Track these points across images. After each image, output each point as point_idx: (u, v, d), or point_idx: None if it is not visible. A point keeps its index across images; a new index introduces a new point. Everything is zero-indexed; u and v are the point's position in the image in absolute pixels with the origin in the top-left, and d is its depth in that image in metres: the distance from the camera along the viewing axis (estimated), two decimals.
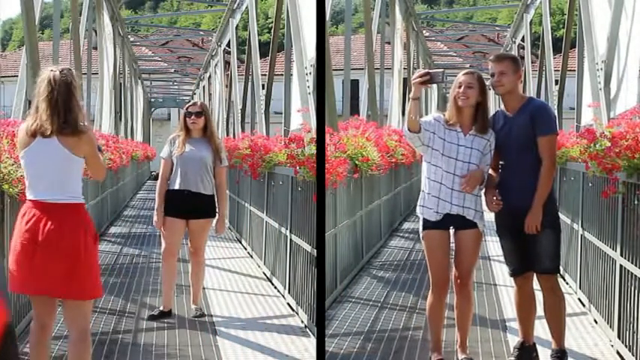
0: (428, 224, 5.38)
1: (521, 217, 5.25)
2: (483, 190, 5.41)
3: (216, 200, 7.07)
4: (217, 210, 7.15)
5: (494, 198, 5.35)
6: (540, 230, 5.23)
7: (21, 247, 4.32)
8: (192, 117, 6.89)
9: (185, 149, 6.86)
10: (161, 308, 7.05)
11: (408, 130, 5.25)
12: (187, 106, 7.03)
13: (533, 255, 5.30)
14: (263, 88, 14.41)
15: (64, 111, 4.30)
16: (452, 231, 5.42)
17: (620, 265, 5.83)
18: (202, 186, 6.88)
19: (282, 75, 13.86)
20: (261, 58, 15.35)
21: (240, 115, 18.24)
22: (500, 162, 5.42)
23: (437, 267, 5.38)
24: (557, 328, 5.39)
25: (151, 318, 6.92)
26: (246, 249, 11.26)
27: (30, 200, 4.39)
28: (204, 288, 8.43)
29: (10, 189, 5.62)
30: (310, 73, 10.23)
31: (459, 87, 5.26)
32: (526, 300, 5.44)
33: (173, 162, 6.89)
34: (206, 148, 6.89)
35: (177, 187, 6.87)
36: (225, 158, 7.05)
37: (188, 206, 6.89)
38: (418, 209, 5.43)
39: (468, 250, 5.39)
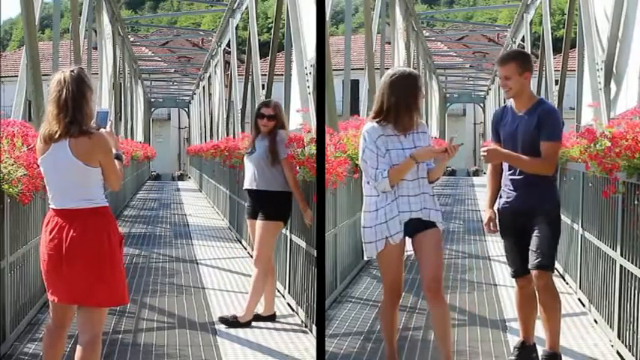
0: (388, 237, 4.93)
1: (525, 218, 5.18)
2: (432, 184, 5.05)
3: (291, 198, 6.77)
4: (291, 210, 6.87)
5: (491, 223, 5.32)
6: (538, 226, 5.15)
7: (48, 258, 4.26)
8: (265, 120, 6.71)
9: (251, 149, 6.78)
10: (259, 312, 6.83)
11: (390, 185, 4.86)
12: (260, 106, 6.84)
13: (529, 251, 5.20)
14: (263, 88, 14.42)
15: (72, 110, 4.18)
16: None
17: (620, 265, 5.83)
18: (263, 183, 6.67)
19: (282, 75, 13.87)
20: (261, 58, 15.36)
21: (240, 115, 18.26)
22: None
23: (392, 273, 4.96)
24: (552, 329, 5.23)
25: (239, 325, 6.68)
26: (246, 249, 11.25)
27: (52, 209, 4.31)
28: (203, 288, 8.45)
29: (10, 189, 5.61)
30: (310, 73, 10.23)
31: (416, 97, 4.90)
32: (527, 300, 5.35)
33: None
34: (266, 144, 6.69)
35: (245, 186, 6.81)
36: (282, 150, 6.66)
37: (254, 206, 6.75)
38: (370, 247, 4.94)
39: (430, 252, 4.91)
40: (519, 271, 5.32)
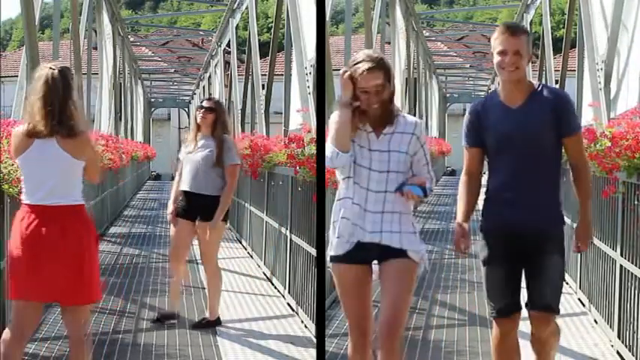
0: (337, 258, 4.02)
1: (522, 240, 4.05)
2: (413, 206, 4.10)
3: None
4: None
5: (463, 240, 4.09)
6: (547, 258, 4.05)
7: (22, 254, 4.20)
8: (202, 111, 6.63)
9: (193, 147, 6.63)
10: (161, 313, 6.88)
11: (340, 151, 3.96)
12: (202, 99, 6.83)
13: (533, 287, 4.10)
14: (263, 88, 14.42)
15: (58, 112, 4.18)
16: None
17: (620, 265, 5.83)
18: (204, 187, 6.58)
19: (282, 75, 13.87)
20: (261, 58, 15.36)
21: (240, 115, 18.26)
22: (492, 166, 4.16)
23: (354, 307, 4.01)
24: None
25: (154, 322, 6.77)
26: (246, 249, 11.25)
27: (28, 205, 4.26)
28: (203, 288, 8.44)
29: (10, 189, 5.61)
30: (310, 73, 10.23)
31: (365, 92, 3.93)
32: (509, 353, 4.21)
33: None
34: (211, 147, 6.59)
35: (184, 187, 6.63)
36: (235, 156, 6.64)
37: (193, 208, 6.60)
38: (330, 243, 4.07)
39: (390, 290, 3.91)
40: (508, 308, 4.11)
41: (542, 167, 4.06)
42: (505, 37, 3.99)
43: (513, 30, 4.01)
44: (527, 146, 4.02)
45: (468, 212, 4.16)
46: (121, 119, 22.83)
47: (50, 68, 4.25)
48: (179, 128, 40.99)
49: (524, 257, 4.07)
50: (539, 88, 4.09)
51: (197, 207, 6.59)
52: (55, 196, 4.23)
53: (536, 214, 4.04)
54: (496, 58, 4.02)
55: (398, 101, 20.07)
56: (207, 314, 6.79)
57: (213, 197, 6.57)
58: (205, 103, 6.71)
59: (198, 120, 6.65)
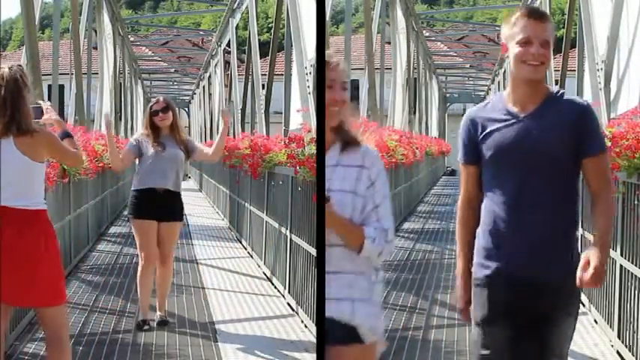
0: None
1: (532, 290, 3.06)
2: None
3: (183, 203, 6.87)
4: (184, 214, 6.89)
5: (468, 309, 3.18)
6: (556, 324, 3.07)
7: None
8: (160, 114, 6.66)
9: (160, 148, 6.60)
10: (140, 318, 6.67)
11: None
12: (151, 105, 6.80)
13: (536, 352, 3.07)
14: (263, 88, 14.43)
15: (11, 110, 4.14)
16: None
17: (620, 265, 5.83)
18: (175, 184, 6.64)
19: (282, 75, 13.88)
20: (261, 58, 15.37)
21: (240, 115, 18.27)
22: (491, 191, 3.14)
23: None
24: None
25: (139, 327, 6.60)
26: (246, 249, 11.25)
27: None
28: (203, 288, 8.45)
29: None
30: (310, 73, 10.23)
31: (330, 87, 2.91)
32: None
33: (135, 158, 6.67)
34: (176, 146, 6.66)
35: (147, 185, 6.58)
36: (197, 146, 6.85)
37: (161, 206, 6.60)
38: None
39: None
40: None
41: (552, 192, 3.08)
42: (530, 23, 3.05)
43: (540, 15, 3.07)
44: (535, 165, 3.07)
45: (468, 265, 3.22)
46: (121, 119, 22.83)
47: (1, 68, 4.20)
48: None
49: (528, 313, 3.07)
50: (558, 95, 3.14)
51: (164, 206, 6.62)
52: (17, 199, 4.18)
53: (543, 257, 3.07)
54: (514, 49, 3.07)
55: (399, 102, 19.88)
56: (159, 314, 6.72)
57: (180, 195, 6.73)
58: (157, 106, 6.71)
59: (158, 122, 6.67)
